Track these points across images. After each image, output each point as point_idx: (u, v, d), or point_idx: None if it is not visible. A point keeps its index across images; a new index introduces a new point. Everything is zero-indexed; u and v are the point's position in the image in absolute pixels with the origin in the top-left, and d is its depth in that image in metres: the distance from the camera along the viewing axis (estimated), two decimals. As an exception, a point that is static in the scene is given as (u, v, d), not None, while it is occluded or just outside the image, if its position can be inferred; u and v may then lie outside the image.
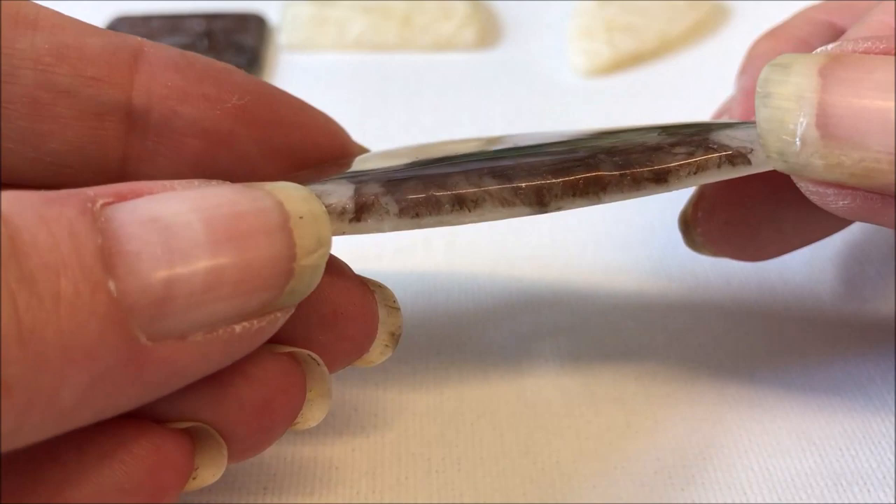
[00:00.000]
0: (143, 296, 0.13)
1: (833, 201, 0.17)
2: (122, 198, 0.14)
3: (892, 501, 0.20)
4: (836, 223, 0.22)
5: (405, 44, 0.37)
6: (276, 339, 0.17)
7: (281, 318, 0.15)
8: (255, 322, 0.15)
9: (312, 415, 0.18)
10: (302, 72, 0.36)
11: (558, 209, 0.17)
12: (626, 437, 0.21)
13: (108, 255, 0.13)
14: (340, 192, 0.17)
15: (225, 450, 0.17)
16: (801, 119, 0.16)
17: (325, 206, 0.16)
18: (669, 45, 0.37)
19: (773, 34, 0.25)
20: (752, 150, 0.17)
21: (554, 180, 0.17)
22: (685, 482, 0.20)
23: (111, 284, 0.13)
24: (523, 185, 0.16)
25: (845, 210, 0.17)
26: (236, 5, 0.39)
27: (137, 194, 0.14)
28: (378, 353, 0.19)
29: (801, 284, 0.26)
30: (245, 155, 0.19)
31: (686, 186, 0.17)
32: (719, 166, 0.17)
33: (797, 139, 0.16)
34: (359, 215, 0.16)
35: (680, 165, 0.17)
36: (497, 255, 0.26)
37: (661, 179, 0.17)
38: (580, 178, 0.17)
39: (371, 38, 0.38)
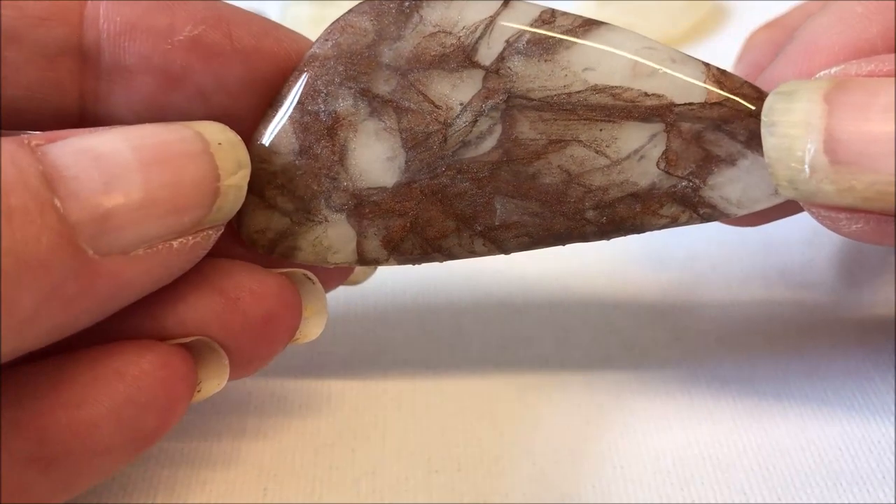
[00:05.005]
0: (86, 213, 0.15)
1: (846, 226, 0.17)
2: (51, 140, 0.15)
3: (892, 502, 0.20)
4: None
5: (405, 44, 0.37)
6: (275, 265, 0.19)
7: (213, 236, 0.17)
8: (189, 238, 0.16)
9: (310, 330, 0.20)
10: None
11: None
12: (626, 437, 0.21)
13: (49, 180, 0.14)
14: (345, 248, 0.19)
15: (226, 360, 0.18)
16: (809, 146, 0.16)
17: (334, 265, 0.19)
18: (669, 45, 0.37)
19: (770, 25, 0.26)
20: (735, 215, 0.18)
21: (539, 242, 0.19)
22: (685, 482, 0.20)
23: (57, 202, 0.14)
24: (511, 248, 0.19)
25: (858, 234, 0.17)
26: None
27: (64, 137, 0.15)
28: (362, 273, 0.22)
29: (801, 284, 0.26)
30: (202, 90, 0.18)
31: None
32: (699, 223, 0.19)
33: (806, 166, 0.16)
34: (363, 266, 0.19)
35: (661, 226, 0.19)
36: (496, 256, 0.26)
37: (638, 230, 0.19)
38: (563, 240, 0.19)
39: (371, 39, 0.37)
